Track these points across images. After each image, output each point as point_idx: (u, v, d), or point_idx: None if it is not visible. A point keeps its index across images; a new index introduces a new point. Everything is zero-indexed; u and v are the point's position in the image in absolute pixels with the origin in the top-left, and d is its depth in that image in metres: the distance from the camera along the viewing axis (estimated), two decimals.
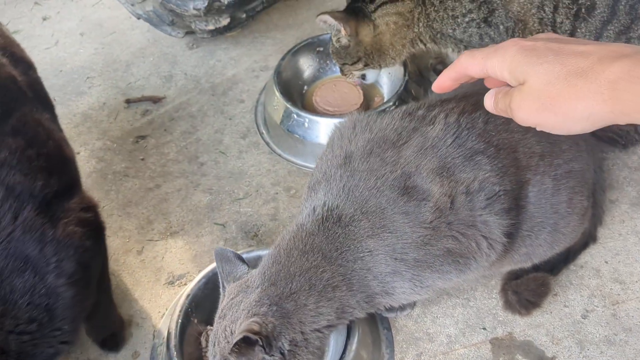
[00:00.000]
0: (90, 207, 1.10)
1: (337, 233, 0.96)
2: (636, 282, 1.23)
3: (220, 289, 1.03)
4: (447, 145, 0.99)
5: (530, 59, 0.69)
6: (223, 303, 0.99)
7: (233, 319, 0.93)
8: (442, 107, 1.05)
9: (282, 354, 0.92)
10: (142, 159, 1.65)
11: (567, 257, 1.23)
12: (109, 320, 1.24)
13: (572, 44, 0.68)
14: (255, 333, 0.87)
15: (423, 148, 0.99)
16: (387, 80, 1.68)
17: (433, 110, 1.05)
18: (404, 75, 1.58)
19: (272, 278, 0.95)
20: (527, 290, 1.16)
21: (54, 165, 1.05)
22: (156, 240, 1.45)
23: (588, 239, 1.26)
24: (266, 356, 0.91)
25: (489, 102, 0.78)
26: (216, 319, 0.98)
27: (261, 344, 0.88)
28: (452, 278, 1.02)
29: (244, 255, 1.22)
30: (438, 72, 1.72)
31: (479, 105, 1.00)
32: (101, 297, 1.15)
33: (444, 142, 0.99)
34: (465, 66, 0.78)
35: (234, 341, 0.87)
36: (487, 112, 0.96)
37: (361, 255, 0.95)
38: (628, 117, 0.63)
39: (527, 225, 1.06)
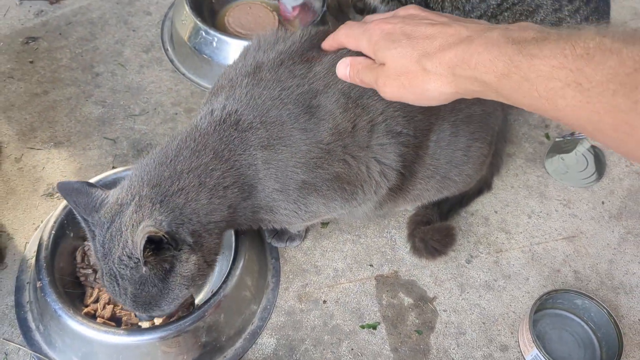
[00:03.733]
0: None
1: (232, 136, 0.90)
2: (521, 233, 1.27)
3: (85, 229, 0.91)
4: None
5: (388, 43, 0.76)
6: (99, 238, 0.87)
7: (123, 245, 0.84)
8: None
9: (189, 245, 0.87)
10: (31, 62, 1.51)
11: (461, 201, 1.25)
12: None
13: (424, 25, 0.75)
14: (155, 233, 0.80)
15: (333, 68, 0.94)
16: None
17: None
18: (322, 6, 1.52)
19: (154, 180, 0.87)
20: (433, 239, 1.16)
21: None
22: (38, 149, 1.33)
23: (483, 186, 1.29)
24: (176, 252, 0.85)
25: (344, 70, 0.86)
26: (100, 258, 0.88)
27: (167, 240, 0.82)
28: (337, 207, 1.00)
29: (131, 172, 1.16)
30: (358, 9, 1.68)
31: None
32: None
33: None
34: (343, 41, 0.88)
35: (141, 249, 0.79)
36: None
37: (254, 162, 0.91)
38: (473, 94, 0.71)
39: (421, 174, 1.05)
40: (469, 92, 0.71)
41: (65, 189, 0.90)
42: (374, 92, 0.94)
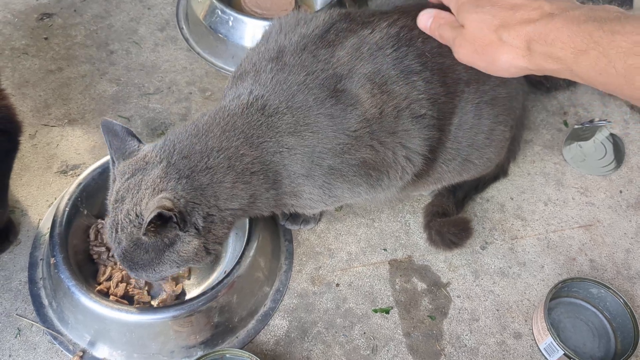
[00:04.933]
0: (4, 110, 0.98)
1: (259, 121, 0.90)
2: (537, 220, 1.25)
3: (110, 166, 0.94)
4: (385, 55, 0.93)
5: (472, 6, 0.76)
6: (117, 184, 0.90)
7: (136, 201, 0.85)
8: (383, 16, 0.99)
9: (197, 229, 0.87)
10: (46, 38, 1.50)
11: (477, 187, 1.24)
12: None
13: None
14: (168, 210, 0.81)
15: (359, 51, 0.93)
16: None
17: (373, 17, 0.99)
18: None
19: (185, 151, 0.88)
20: (449, 232, 1.14)
21: None
22: (52, 126, 1.33)
23: (499, 172, 1.27)
24: (180, 232, 0.86)
25: (426, 21, 0.86)
26: (111, 202, 0.90)
27: (175, 220, 0.83)
28: (362, 192, 0.99)
29: None
30: None
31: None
32: None
33: (382, 52, 0.93)
34: None
35: (148, 220, 0.80)
36: (422, 32, 0.93)
37: (280, 150, 0.90)
38: (545, 71, 0.71)
39: (442, 158, 1.04)
40: (542, 69, 0.71)
41: (106, 127, 0.93)
42: (397, 78, 0.93)
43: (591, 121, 1.40)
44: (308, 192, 0.96)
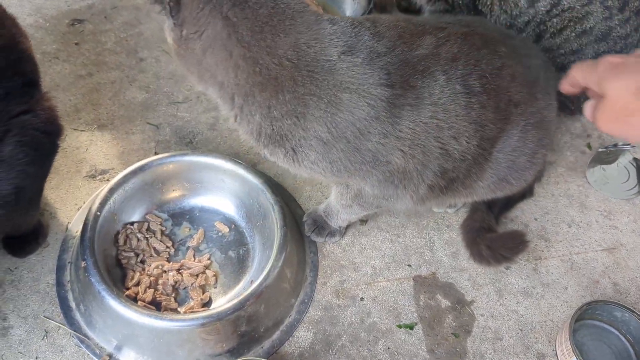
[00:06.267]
0: (48, 111, 1.00)
1: (332, 56, 0.90)
2: (560, 241, 1.26)
3: None
4: (456, 69, 0.94)
5: (611, 74, 0.71)
6: None
7: None
8: (452, 27, 0.99)
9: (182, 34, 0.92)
10: (76, 44, 1.52)
11: (507, 204, 1.25)
12: (29, 224, 1.12)
13: None
14: None
15: (437, 55, 0.94)
16: (350, 6, 1.60)
17: (442, 24, 1.00)
18: (369, 4, 1.52)
19: None
20: (504, 247, 1.15)
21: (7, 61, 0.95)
22: (81, 131, 1.34)
23: (526, 192, 1.27)
24: (171, 20, 0.93)
25: (588, 111, 0.78)
26: None
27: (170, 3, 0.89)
28: (367, 186, 1.00)
29: (177, 158, 1.18)
30: (402, 9, 1.67)
31: (486, 41, 0.99)
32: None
33: (455, 64, 0.95)
34: (575, 80, 0.80)
35: None
36: (488, 53, 0.97)
37: (322, 96, 0.89)
38: None
39: (475, 177, 1.05)
40: None
41: None
42: (461, 96, 0.94)
43: (615, 145, 1.41)
44: (314, 156, 0.95)
